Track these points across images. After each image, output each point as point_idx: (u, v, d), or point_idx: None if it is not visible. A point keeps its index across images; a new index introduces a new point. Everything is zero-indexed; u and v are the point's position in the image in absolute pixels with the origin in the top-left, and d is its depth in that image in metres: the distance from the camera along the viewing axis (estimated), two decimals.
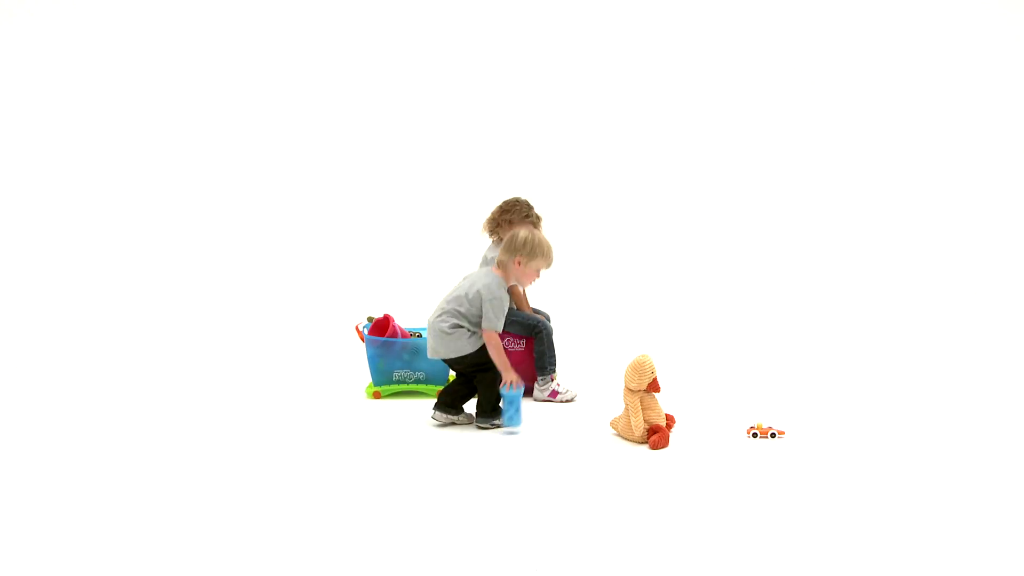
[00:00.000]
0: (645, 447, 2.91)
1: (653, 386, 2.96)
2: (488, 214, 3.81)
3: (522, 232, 3.23)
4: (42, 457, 2.80)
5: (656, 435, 2.90)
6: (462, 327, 3.16)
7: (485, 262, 3.73)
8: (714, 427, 3.14)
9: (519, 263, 3.20)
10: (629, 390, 2.97)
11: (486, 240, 3.85)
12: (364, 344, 3.67)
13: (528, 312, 3.73)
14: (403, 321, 3.85)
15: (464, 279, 3.34)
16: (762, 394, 3.63)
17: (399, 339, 3.66)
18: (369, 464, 2.73)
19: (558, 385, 3.61)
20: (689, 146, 5.69)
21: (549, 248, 3.24)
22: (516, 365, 3.65)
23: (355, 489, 2.49)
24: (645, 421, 2.95)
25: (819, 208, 5.63)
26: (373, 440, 3.02)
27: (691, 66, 5.66)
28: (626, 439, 2.99)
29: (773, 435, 2.99)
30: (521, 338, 3.67)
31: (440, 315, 3.20)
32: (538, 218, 3.78)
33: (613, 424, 3.09)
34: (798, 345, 4.53)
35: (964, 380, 3.85)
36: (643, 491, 2.49)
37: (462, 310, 3.16)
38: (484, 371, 3.20)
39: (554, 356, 3.63)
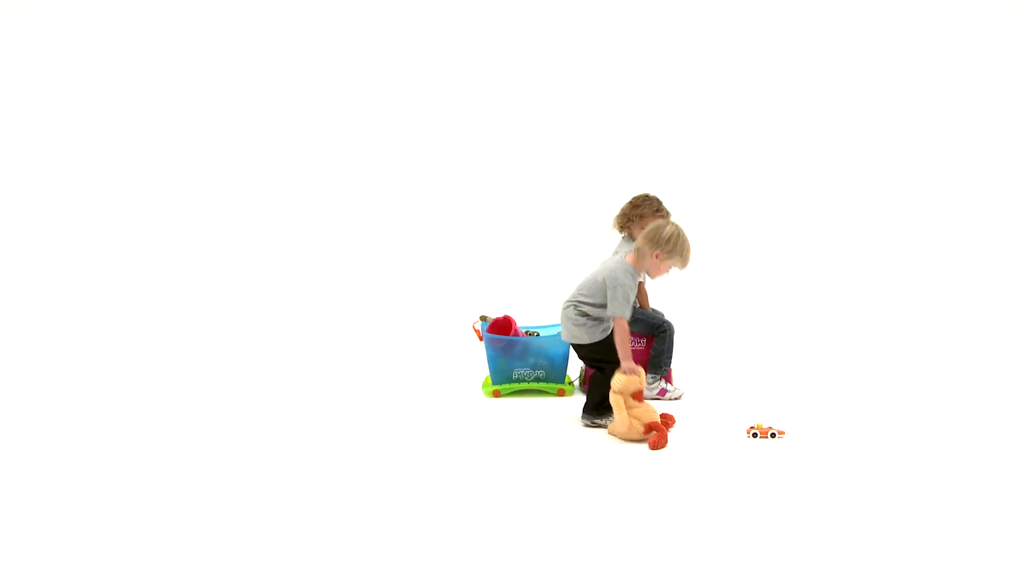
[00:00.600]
0: (645, 447, 2.91)
1: (637, 395, 3.00)
2: (618, 210, 3.74)
3: (669, 227, 3.18)
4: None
5: (656, 435, 2.91)
6: (587, 316, 3.20)
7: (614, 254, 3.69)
8: (714, 427, 3.13)
9: (657, 256, 3.17)
10: (613, 391, 2.99)
11: (613, 238, 3.79)
12: (483, 343, 3.66)
13: (650, 311, 3.69)
14: (519, 320, 3.85)
15: (602, 264, 3.35)
16: (762, 394, 3.62)
17: (519, 338, 3.64)
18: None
19: (667, 384, 3.59)
20: (688, 147, 5.70)
21: (689, 250, 3.19)
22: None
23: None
24: (636, 418, 2.95)
25: (818, 209, 5.63)
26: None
27: (693, 68, 5.69)
28: (624, 440, 3.00)
29: (773, 435, 2.97)
30: (642, 336, 3.64)
31: (568, 303, 3.27)
32: (668, 213, 3.70)
33: (611, 432, 3.09)
34: (798, 345, 4.52)
35: (964, 380, 3.84)
36: (643, 491, 2.49)
37: (587, 298, 3.21)
38: (599, 367, 3.22)
39: (671, 357, 3.61)
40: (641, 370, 3.11)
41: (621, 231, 3.74)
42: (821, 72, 5.64)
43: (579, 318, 3.21)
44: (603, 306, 3.18)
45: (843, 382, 3.84)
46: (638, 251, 3.21)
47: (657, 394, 3.58)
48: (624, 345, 3.12)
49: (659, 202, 3.69)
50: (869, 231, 5.58)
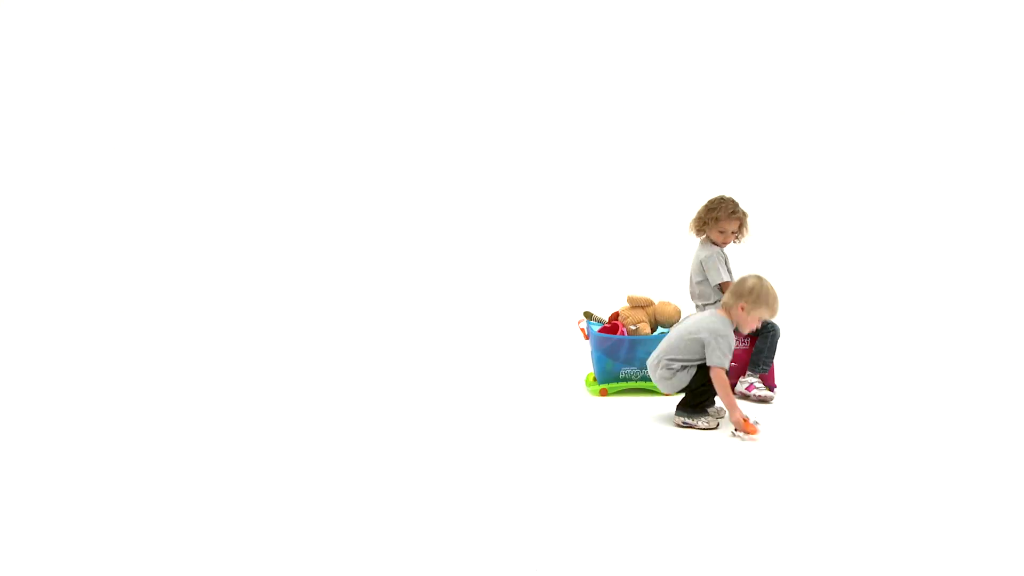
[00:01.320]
0: (646, 446, 2.99)
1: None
2: (694, 214, 3.82)
3: (751, 279, 3.27)
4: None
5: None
6: (685, 367, 3.28)
7: (698, 263, 3.78)
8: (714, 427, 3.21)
9: (743, 308, 3.25)
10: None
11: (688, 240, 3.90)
12: (589, 342, 3.79)
13: None
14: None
15: (687, 319, 3.47)
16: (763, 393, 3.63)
17: (627, 337, 3.76)
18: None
19: (759, 380, 3.65)
20: (688, 144, 5.73)
21: (775, 298, 3.26)
22: (734, 361, 3.72)
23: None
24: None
25: (816, 208, 5.64)
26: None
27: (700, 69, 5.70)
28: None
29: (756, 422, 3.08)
30: (746, 336, 3.72)
31: (656, 359, 3.35)
32: (744, 214, 3.76)
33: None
34: (798, 345, 4.48)
35: (964, 379, 3.83)
36: (643, 491, 2.52)
37: (679, 357, 3.29)
38: (704, 387, 3.28)
39: (772, 358, 3.68)
40: (749, 427, 3.13)
41: (698, 235, 3.81)
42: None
43: (668, 372, 3.30)
44: (691, 360, 3.26)
45: (843, 382, 3.88)
46: (725, 306, 3.31)
47: (745, 389, 3.63)
48: (727, 395, 3.18)
49: (734, 204, 3.73)
50: (867, 229, 5.59)
